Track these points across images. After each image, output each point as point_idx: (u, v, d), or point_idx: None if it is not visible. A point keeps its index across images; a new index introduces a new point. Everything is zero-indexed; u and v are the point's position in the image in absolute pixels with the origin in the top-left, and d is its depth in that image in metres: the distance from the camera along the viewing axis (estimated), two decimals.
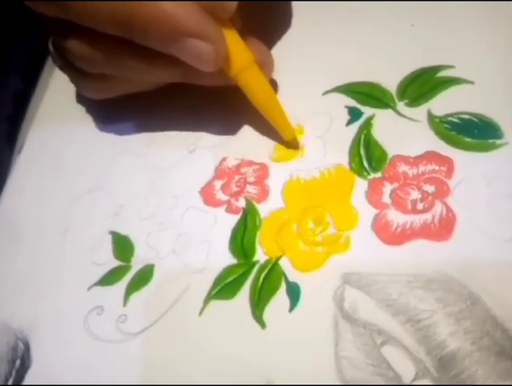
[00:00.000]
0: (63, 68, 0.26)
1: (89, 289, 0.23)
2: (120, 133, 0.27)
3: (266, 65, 0.24)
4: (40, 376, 0.22)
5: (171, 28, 0.20)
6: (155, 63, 0.22)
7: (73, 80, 0.26)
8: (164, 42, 0.21)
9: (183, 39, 0.20)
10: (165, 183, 0.25)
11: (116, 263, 0.23)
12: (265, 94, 0.23)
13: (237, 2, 0.21)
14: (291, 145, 0.24)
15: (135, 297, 0.22)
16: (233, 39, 0.22)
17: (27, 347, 0.23)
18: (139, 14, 0.20)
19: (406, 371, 0.18)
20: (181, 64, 0.21)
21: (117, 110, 0.27)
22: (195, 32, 0.20)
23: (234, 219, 0.23)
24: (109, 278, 0.23)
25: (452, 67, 0.23)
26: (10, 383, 0.23)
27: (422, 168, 0.21)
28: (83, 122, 0.28)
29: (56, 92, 0.31)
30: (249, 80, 0.22)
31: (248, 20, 0.23)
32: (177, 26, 0.20)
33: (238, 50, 0.22)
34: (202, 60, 0.21)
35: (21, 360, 0.23)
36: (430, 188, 0.20)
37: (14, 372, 0.23)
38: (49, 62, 0.35)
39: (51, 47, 0.26)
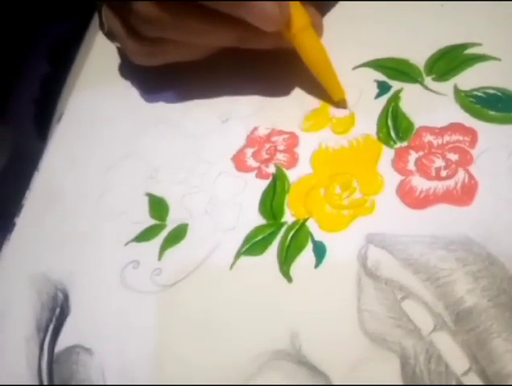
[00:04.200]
0: (111, 35, 0.27)
1: (126, 244, 0.25)
2: (156, 101, 0.29)
3: (318, 27, 0.25)
4: (78, 323, 0.24)
5: None
6: (217, 25, 0.23)
7: (125, 44, 0.27)
8: (234, 3, 0.22)
9: (252, 1, 0.21)
10: (198, 150, 0.26)
11: (152, 222, 0.25)
12: (320, 54, 0.24)
13: None
14: (340, 105, 0.24)
15: (170, 252, 0.24)
16: (292, 1, 0.23)
17: (66, 297, 0.25)
18: None
19: (425, 324, 0.19)
20: (241, 27, 0.23)
21: (155, 79, 0.29)
22: None
23: (264, 183, 0.24)
24: (145, 235, 0.24)
25: (479, 44, 0.24)
26: (51, 328, 0.25)
27: (447, 138, 0.22)
28: (120, 91, 0.30)
29: (95, 61, 0.33)
30: (306, 40, 0.24)
31: None
32: None
33: (297, 11, 0.23)
34: (268, 21, 0.22)
35: (60, 309, 0.25)
36: (454, 157, 0.21)
37: (54, 319, 0.25)
38: (90, 32, 0.37)
39: (103, 12, 0.27)
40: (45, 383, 0.23)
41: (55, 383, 0.23)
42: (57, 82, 0.37)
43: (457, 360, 0.18)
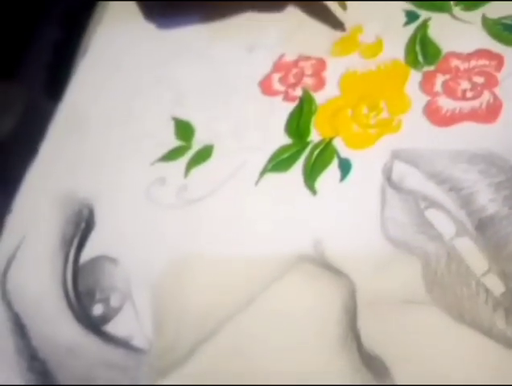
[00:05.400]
0: None
1: (152, 164, 0.25)
2: (181, 32, 0.29)
3: None
4: (104, 236, 0.24)
5: None
6: None
7: None
8: None
9: None
10: (224, 77, 0.27)
11: (177, 143, 0.25)
12: None
13: None
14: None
15: (196, 170, 0.24)
16: None
17: (91, 212, 0.25)
18: None
19: (447, 231, 0.19)
20: None
21: (180, 10, 0.29)
22: None
23: (291, 106, 0.24)
24: (170, 155, 0.25)
25: None
26: (75, 241, 0.25)
27: (473, 63, 0.23)
28: (144, 23, 0.30)
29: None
30: None
31: None
32: None
33: None
34: None
35: (85, 223, 0.25)
36: (479, 80, 0.22)
37: (79, 233, 0.25)
38: None
39: None
40: (70, 292, 0.24)
41: (80, 290, 0.24)
42: (70, 45, 0.37)
43: (477, 262, 0.18)
